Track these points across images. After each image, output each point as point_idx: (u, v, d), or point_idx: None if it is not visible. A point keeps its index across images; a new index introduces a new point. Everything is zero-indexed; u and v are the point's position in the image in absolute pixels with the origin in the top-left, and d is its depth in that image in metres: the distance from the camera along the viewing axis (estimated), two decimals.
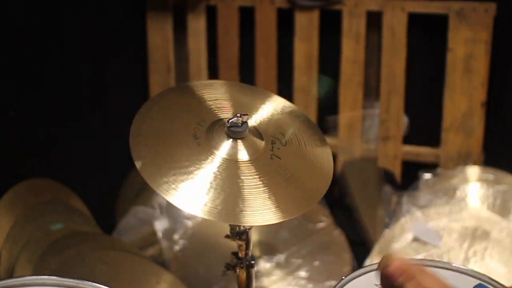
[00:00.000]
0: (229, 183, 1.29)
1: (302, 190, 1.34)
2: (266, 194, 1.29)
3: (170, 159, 1.30)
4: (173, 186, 1.26)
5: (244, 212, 1.26)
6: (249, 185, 1.30)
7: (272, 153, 1.35)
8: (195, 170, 1.29)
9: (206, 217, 1.26)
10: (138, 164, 1.29)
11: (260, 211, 1.27)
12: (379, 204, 2.82)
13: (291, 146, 1.39)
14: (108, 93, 3.00)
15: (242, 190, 1.28)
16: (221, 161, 1.32)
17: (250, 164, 1.32)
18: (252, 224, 1.30)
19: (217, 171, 1.30)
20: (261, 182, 1.30)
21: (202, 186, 1.27)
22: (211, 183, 1.28)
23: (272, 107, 1.47)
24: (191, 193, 1.26)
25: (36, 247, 2.29)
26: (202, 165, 1.30)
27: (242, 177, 1.30)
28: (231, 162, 1.32)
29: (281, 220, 1.28)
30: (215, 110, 1.41)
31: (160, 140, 1.34)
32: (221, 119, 1.38)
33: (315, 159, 1.41)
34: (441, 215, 2.51)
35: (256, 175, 1.31)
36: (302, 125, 1.46)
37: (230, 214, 1.26)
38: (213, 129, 1.36)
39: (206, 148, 1.33)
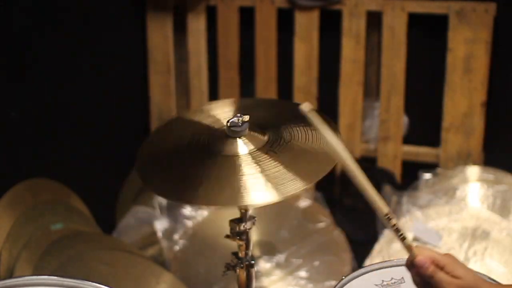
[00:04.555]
0: (233, 174, 1.33)
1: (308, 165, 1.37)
2: (266, 177, 1.33)
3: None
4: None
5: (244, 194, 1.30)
6: (250, 174, 1.34)
7: (270, 149, 1.37)
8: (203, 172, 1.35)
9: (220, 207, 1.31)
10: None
11: (260, 191, 1.31)
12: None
13: (291, 143, 1.41)
14: (108, 93, 3.00)
15: (244, 177, 1.33)
16: (222, 158, 1.36)
17: (250, 157, 1.36)
18: (256, 204, 1.34)
19: (220, 166, 1.35)
20: (262, 169, 1.34)
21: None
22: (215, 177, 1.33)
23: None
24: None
25: (36, 247, 2.29)
26: (208, 166, 1.35)
27: (244, 168, 1.34)
28: (233, 158, 1.36)
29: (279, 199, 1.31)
30: (210, 125, 1.47)
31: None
32: (218, 127, 1.43)
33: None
34: (441, 215, 2.51)
35: (257, 164, 1.35)
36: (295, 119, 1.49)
37: (232, 197, 1.31)
38: (214, 135, 1.41)
39: (210, 151, 1.38)
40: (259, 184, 1.31)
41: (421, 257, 1.12)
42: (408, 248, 1.14)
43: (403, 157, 3.02)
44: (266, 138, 1.40)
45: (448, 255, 1.13)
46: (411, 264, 1.13)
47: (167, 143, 1.48)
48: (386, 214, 1.14)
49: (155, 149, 1.48)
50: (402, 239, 1.14)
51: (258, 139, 1.39)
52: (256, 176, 1.33)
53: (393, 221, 1.14)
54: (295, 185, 1.32)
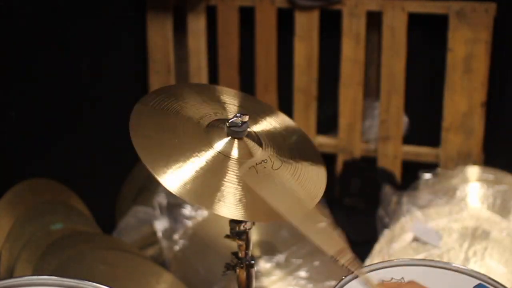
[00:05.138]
0: (214, 174, 1.32)
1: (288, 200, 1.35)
2: (243, 192, 1.31)
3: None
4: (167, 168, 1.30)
5: (220, 202, 1.29)
6: (230, 180, 1.32)
7: (255, 167, 1.35)
8: (190, 158, 1.33)
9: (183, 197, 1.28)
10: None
11: (234, 206, 1.29)
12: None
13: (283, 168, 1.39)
14: (108, 93, 3.00)
15: (223, 183, 1.31)
16: (215, 153, 1.35)
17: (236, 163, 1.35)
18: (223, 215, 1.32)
19: (207, 162, 1.33)
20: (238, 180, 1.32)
21: (191, 172, 1.31)
22: (198, 171, 1.32)
23: (275, 123, 1.49)
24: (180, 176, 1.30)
25: (36, 247, 2.29)
26: (197, 155, 1.33)
27: (226, 172, 1.33)
28: (223, 157, 1.34)
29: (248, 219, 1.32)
30: (220, 111, 1.44)
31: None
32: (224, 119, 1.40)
33: (304, 179, 1.41)
34: (441, 215, 2.51)
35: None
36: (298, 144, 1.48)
37: (207, 199, 1.29)
38: (215, 124, 1.38)
39: (205, 139, 1.36)
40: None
41: None
42: (366, 282, 1.15)
43: (403, 157, 3.03)
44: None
45: (411, 284, 1.14)
46: None
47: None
48: (332, 257, 1.16)
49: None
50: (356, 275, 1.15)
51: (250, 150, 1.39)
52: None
53: (342, 260, 1.16)
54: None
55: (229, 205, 1.29)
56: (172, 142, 1.35)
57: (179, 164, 1.31)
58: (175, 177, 1.29)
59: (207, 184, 1.31)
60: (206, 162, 1.33)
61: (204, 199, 1.30)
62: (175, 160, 1.31)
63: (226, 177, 1.32)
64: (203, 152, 1.35)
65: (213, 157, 1.34)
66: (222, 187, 1.30)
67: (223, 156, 1.35)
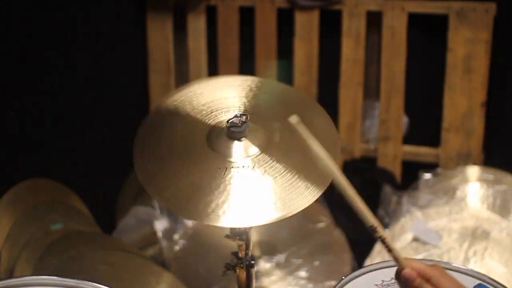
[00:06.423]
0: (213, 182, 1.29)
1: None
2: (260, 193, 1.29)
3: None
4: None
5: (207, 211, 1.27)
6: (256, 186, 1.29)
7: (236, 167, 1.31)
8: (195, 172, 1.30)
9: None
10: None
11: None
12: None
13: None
14: (108, 93, 3.00)
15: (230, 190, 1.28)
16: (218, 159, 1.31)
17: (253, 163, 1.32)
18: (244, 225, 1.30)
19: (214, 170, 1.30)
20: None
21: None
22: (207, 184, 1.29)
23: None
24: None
25: (36, 247, 2.29)
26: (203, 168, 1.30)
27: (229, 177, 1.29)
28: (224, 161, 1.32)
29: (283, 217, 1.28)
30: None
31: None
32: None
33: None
34: (441, 215, 2.51)
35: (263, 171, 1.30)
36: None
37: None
38: (217, 130, 1.35)
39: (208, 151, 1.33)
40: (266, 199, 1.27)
41: (408, 270, 1.13)
42: (396, 259, 1.15)
43: (403, 157, 3.02)
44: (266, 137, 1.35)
45: (436, 267, 1.14)
46: (398, 276, 1.14)
47: (162, 139, 1.43)
48: (372, 226, 1.17)
49: (151, 148, 1.43)
50: (389, 250, 1.16)
51: (260, 140, 1.36)
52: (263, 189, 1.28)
53: (380, 233, 1.16)
54: (307, 196, 1.30)
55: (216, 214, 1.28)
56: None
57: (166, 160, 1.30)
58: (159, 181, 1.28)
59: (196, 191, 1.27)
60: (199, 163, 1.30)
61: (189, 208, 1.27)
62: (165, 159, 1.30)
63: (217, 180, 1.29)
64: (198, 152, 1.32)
65: (207, 157, 1.31)
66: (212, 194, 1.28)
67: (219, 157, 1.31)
